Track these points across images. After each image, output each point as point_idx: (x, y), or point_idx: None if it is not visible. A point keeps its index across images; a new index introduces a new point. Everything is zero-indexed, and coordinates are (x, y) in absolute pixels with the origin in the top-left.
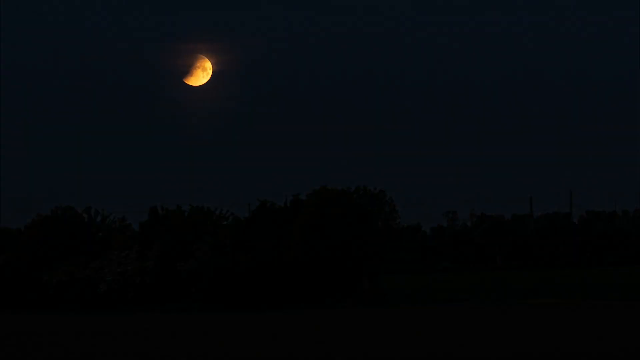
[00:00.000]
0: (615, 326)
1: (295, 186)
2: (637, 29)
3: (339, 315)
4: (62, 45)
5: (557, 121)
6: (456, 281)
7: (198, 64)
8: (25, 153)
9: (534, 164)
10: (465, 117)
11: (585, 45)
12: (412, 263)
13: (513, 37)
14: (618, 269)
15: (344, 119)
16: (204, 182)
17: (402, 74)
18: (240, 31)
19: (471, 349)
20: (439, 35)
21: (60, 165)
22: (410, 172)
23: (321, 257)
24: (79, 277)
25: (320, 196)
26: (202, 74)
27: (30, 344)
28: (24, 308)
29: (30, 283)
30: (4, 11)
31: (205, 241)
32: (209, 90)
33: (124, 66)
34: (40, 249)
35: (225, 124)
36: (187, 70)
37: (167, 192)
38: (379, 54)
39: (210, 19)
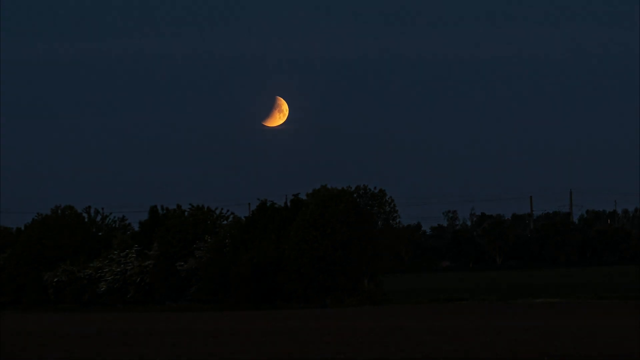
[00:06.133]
0: (615, 326)
1: (295, 186)
2: (636, 35)
3: (339, 314)
4: (61, 38)
5: (557, 121)
6: (456, 281)
7: (276, 105)
8: (25, 153)
9: (534, 164)
10: (465, 118)
11: (586, 46)
12: (412, 263)
13: (517, 40)
14: (618, 269)
15: (344, 120)
16: (204, 182)
17: (402, 76)
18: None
19: (472, 348)
20: (438, 42)
21: (62, 165)
22: (410, 172)
23: (321, 256)
24: (79, 276)
25: (320, 196)
26: (278, 115)
27: (31, 343)
28: (24, 308)
29: (30, 283)
30: (4, 8)
31: (205, 241)
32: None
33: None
34: (40, 248)
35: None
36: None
37: (167, 192)
38: (383, 67)
39: None
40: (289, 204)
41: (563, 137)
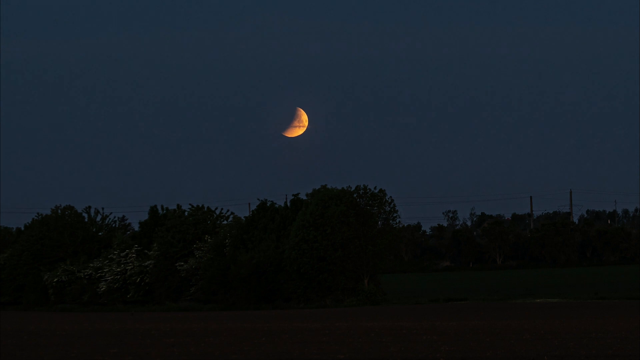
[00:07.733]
0: (616, 326)
1: (295, 186)
2: (636, 35)
3: (339, 314)
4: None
5: (557, 121)
6: (456, 281)
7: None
8: (26, 153)
9: (534, 164)
10: (465, 118)
11: (585, 46)
12: (412, 263)
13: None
14: (618, 269)
15: (344, 120)
16: (204, 182)
17: (401, 76)
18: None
19: (472, 348)
20: (435, 49)
21: (62, 165)
22: (410, 172)
23: (321, 256)
24: (79, 276)
25: (320, 196)
26: (298, 126)
27: (31, 343)
28: (24, 308)
29: (30, 283)
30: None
31: (205, 241)
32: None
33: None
34: (40, 248)
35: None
36: None
37: (167, 192)
38: (385, 74)
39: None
40: (289, 204)
41: (563, 137)
